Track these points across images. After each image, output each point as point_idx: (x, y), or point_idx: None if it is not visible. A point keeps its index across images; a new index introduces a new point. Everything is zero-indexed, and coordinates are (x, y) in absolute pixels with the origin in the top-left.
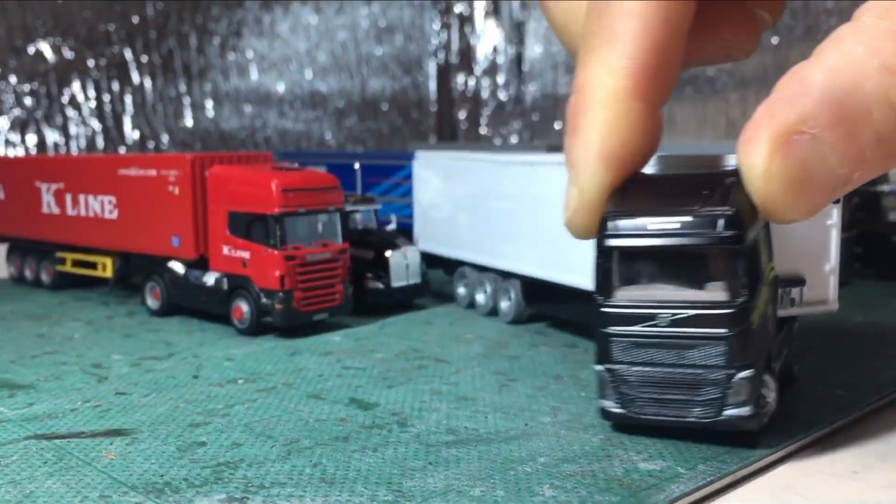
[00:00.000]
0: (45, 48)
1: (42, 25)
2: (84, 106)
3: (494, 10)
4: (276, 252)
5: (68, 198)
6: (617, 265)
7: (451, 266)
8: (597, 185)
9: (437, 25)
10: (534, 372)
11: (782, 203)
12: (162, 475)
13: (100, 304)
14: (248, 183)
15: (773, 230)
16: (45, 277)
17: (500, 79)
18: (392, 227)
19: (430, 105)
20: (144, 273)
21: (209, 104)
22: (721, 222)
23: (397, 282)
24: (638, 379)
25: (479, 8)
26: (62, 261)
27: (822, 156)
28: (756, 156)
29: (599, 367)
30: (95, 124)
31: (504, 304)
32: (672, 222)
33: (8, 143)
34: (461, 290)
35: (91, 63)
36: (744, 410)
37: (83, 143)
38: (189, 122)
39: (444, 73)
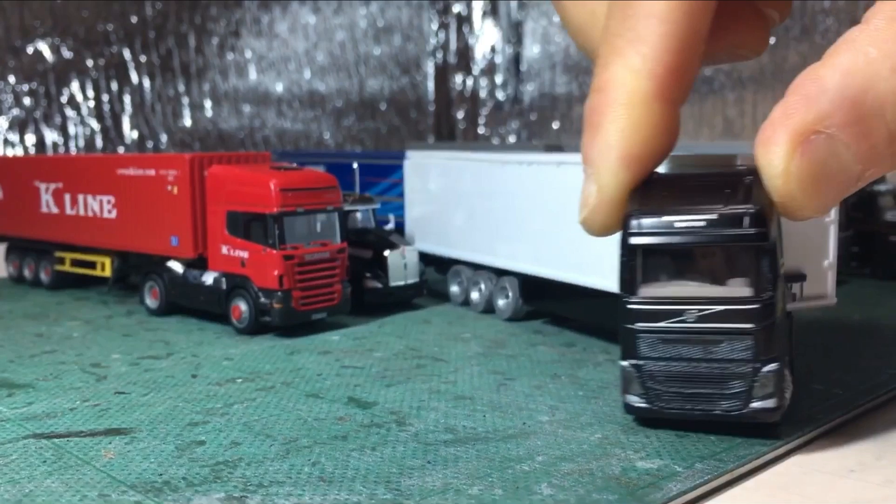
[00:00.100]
0: (44, 48)
1: (41, 25)
2: (83, 106)
3: (492, 10)
4: (274, 251)
5: (67, 197)
6: (641, 263)
7: (443, 265)
8: (617, 185)
9: (435, 25)
10: (532, 371)
11: (801, 200)
12: (161, 474)
13: (99, 303)
14: (247, 182)
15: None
16: (43, 277)
17: (498, 79)
18: (390, 226)
19: (428, 105)
20: (143, 272)
21: (208, 104)
22: (747, 220)
23: (395, 281)
24: (665, 374)
25: (477, 8)
26: (61, 260)
27: (837, 154)
28: (776, 155)
29: (625, 363)
30: (94, 124)
31: (501, 302)
32: (698, 220)
33: (7, 142)
34: (455, 289)
35: (90, 63)
36: (769, 403)
37: (82, 143)
38: (188, 121)
39: (443, 73)
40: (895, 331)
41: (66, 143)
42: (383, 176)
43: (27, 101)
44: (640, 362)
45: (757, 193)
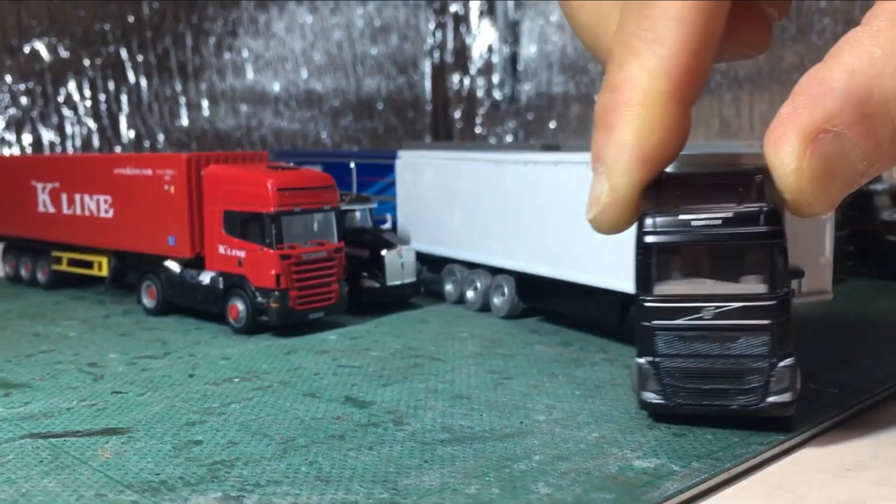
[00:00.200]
0: (41, 48)
1: (38, 25)
2: (80, 105)
3: (489, 9)
4: (271, 251)
5: (64, 197)
6: (657, 261)
7: (436, 264)
8: (630, 184)
9: (432, 25)
10: (529, 370)
11: (811, 197)
12: (158, 474)
13: (96, 303)
14: (244, 182)
15: None
16: (40, 276)
17: (495, 78)
18: (387, 225)
19: (425, 104)
20: (140, 272)
21: (205, 104)
22: (762, 218)
23: (392, 280)
24: (682, 370)
25: (474, 7)
26: (58, 260)
27: (845, 151)
28: (787, 154)
29: (641, 360)
30: (91, 124)
31: (497, 300)
32: (714, 218)
33: (4, 142)
34: (449, 287)
35: (87, 62)
36: (785, 397)
37: (79, 143)
38: (185, 121)
39: (440, 73)
40: (891, 329)
41: (62, 143)
42: (380, 175)
43: (24, 100)
44: (657, 359)
45: (769, 192)
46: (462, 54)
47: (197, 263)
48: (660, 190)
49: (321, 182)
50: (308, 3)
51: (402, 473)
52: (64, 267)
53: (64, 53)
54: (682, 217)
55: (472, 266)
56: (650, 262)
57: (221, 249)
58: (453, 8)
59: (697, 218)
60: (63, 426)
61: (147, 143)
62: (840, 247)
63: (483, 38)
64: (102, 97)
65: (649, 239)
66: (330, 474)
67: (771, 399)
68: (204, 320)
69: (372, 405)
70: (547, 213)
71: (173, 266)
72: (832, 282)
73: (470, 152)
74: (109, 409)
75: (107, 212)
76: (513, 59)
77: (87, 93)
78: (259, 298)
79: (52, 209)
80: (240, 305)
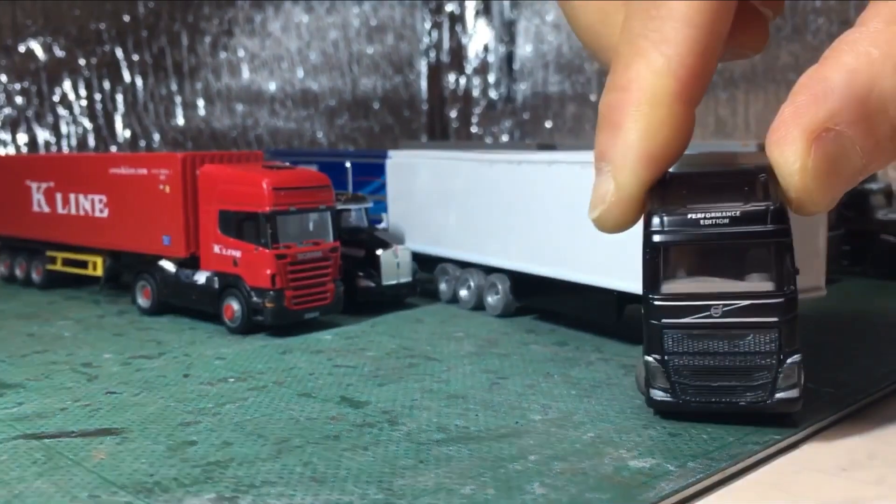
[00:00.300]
0: (36, 47)
1: (33, 24)
2: (75, 105)
3: (485, 9)
4: (267, 251)
5: (59, 196)
6: (664, 260)
7: (428, 263)
8: (636, 183)
9: (428, 24)
10: (524, 370)
11: (815, 194)
12: (152, 474)
13: (90, 302)
14: (239, 182)
15: None
16: (35, 276)
17: (491, 78)
18: (383, 225)
19: (421, 104)
20: (135, 272)
21: (200, 103)
22: (769, 216)
23: (388, 280)
24: (691, 368)
25: (470, 7)
26: (52, 260)
27: (846, 149)
28: (791, 152)
29: (649, 358)
30: (87, 123)
31: (491, 299)
32: (721, 217)
33: None
34: (443, 287)
35: (82, 62)
36: (792, 393)
37: (74, 142)
38: (180, 120)
39: (435, 72)
40: (887, 329)
41: (58, 143)
42: (376, 175)
43: (19, 99)
44: (666, 357)
45: (773, 190)
46: (458, 54)
47: (192, 263)
48: (665, 189)
49: (317, 182)
50: (304, 3)
51: (397, 474)
52: (59, 267)
53: (59, 53)
54: (689, 216)
55: (464, 265)
56: (658, 261)
57: (217, 249)
58: (449, 7)
59: (705, 217)
60: (57, 427)
61: (143, 143)
62: (835, 246)
63: (479, 37)
64: (98, 97)
65: (657, 238)
66: (325, 475)
67: (779, 395)
68: (199, 320)
69: (367, 405)
70: (542, 212)
71: (168, 266)
72: (825, 280)
73: (463, 152)
74: (104, 409)
75: (102, 211)
76: (509, 59)
77: (83, 92)
78: (254, 298)
79: (46, 209)
80: (235, 305)
